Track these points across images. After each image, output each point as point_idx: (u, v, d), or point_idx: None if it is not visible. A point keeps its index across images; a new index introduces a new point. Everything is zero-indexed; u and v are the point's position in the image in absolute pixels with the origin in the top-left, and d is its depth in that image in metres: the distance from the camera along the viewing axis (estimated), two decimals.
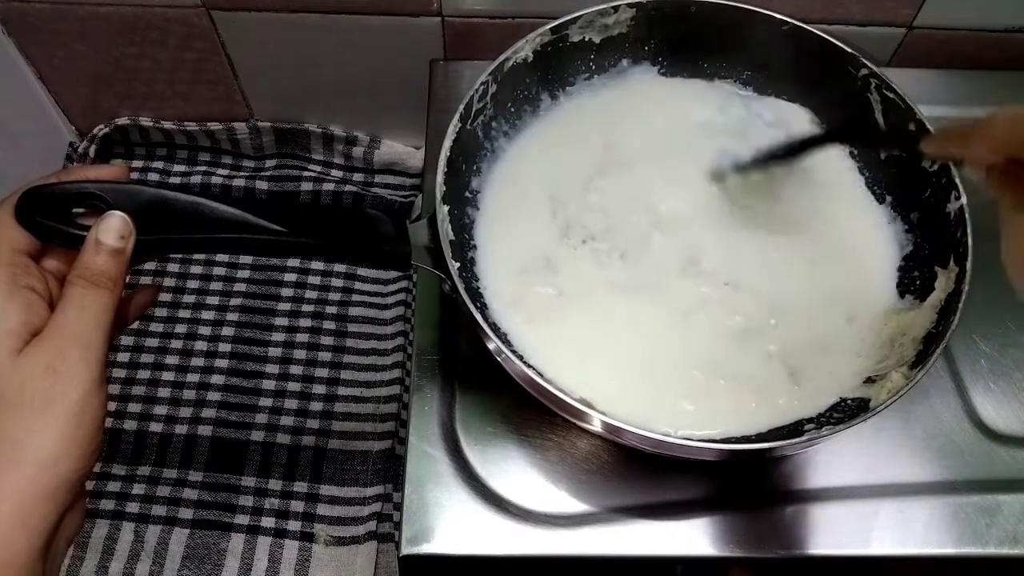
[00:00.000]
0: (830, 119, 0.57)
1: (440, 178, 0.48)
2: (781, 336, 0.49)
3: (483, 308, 0.49)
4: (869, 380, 0.48)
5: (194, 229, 0.39)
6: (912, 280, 0.51)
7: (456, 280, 0.44)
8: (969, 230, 0.47)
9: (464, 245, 0.51)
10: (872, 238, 0.53)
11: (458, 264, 0.47)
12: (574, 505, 0.49)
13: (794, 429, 0.46)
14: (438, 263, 0.45)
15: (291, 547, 0.68)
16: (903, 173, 0.53)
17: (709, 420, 0.47)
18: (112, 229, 0.36)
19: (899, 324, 0.49)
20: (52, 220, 0.36)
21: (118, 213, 0.36)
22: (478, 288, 0.50)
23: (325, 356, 0.77)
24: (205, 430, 0.73)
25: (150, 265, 0.81)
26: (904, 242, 0.53)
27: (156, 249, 0.39)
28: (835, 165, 0.56)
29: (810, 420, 0.47)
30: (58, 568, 0.35)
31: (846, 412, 0.46)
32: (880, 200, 0.54)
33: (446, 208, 0.48)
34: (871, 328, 0.50)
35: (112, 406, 0.74)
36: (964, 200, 0.48)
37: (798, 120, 0.57)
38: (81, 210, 0.37)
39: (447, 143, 0.49)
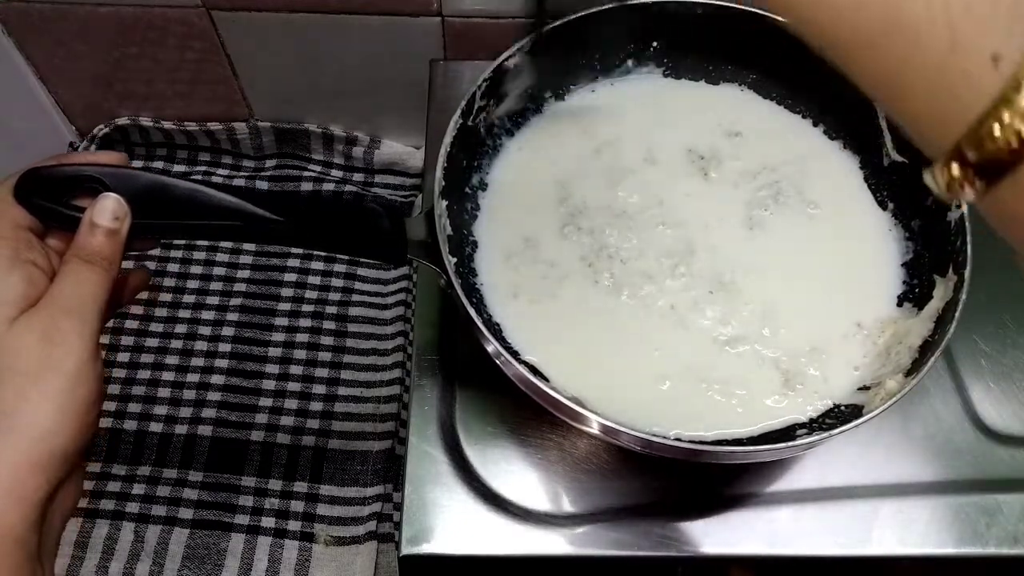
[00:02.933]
0: (833, 125, 0.57)
1: (439, 172, 0.48)
2: (776, 341, 0.49)
3: (479, 304, 0.49)
4: (864, 387, 0.48)
5: (191, 215, 0.39)
6: (911, 288, 0.51)
7: (452, 275, 0.44)
8: (969, 239, 0.46)
9: (463, 241, 0.51)
10: (873, 245, 0.53)
11: (455, 259, 0.47)
12: (574, 505, 0.49)
13: (786, 433, 0.46)
14: (435, 258, 0.45)
15: (291, 547, 0.68)
16: (906, 180, 0.53)
17: (701, 421, 0.47)
18: (107, 210, 0.36)
19: (896, 332, 0.49)
20: (50, 201, 0.37)
21: (113, 195, 0.37)
22: (475, 284, 0.50)
23: (325, 356, 0.77)
24: (205, 430, 0.73)
25: (150, 265, 0.81)
26: (904, 250, 0.52)
27: (153, 233, 0.40)
28: (837, 167, 0.56)
29: (802, 425, 0.47)
30: (55, 542, 0.35)
31: (839, 418, 0.46)
32: (883, 207, 0.54)
33: (444, 203, 0.48)
34: (868, 336, 0.50)
35: (112, 406, 0.74)
36: (965, 209, 0.47)
37: (798, 128, 0.57)
38: (79, 194, 0.38)
39: (448, 138, 0.49)
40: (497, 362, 0.44)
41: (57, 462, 0.33)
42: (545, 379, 0.46)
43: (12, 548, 0.31)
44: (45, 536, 0.33)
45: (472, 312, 0.43)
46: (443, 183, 0.47)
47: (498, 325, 0.49)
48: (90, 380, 0.34)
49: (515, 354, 0.47)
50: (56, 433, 0.33)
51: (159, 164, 0.86)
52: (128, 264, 0.39)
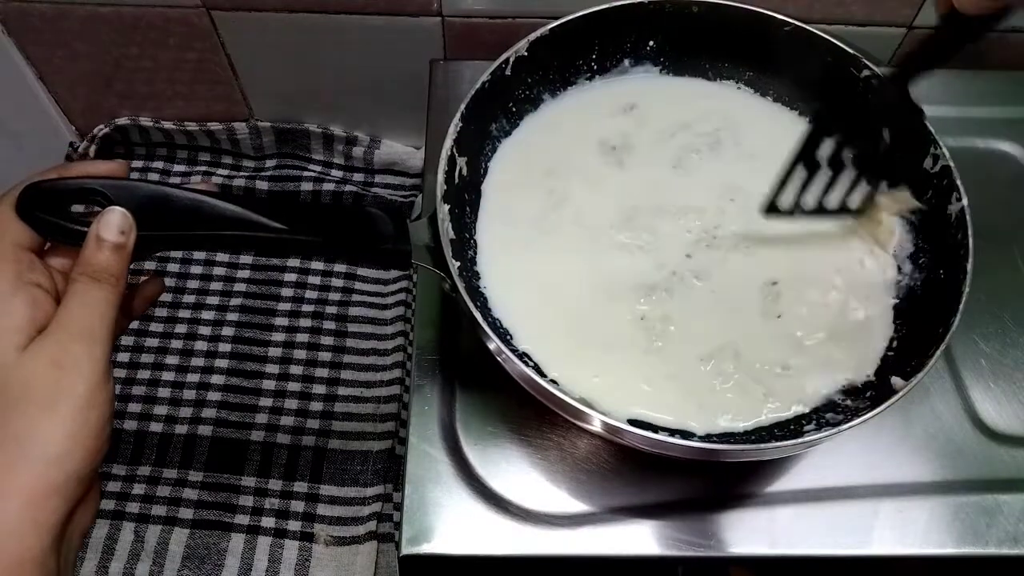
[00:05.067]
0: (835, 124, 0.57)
1: (441, 176, 0.48)
2: (776, 340, 0.49)
3: (483, 307, 0.49)
4: (868, 384, 0.48)
5: (194, 226, 0.39)
6: (913, 282, 0.51)
7: (456, 279, 0.44)
8: (970, 232, 0.46)
9: (465, 244, 0.51)
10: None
11: (458, 263, 0.47)
12: (574, 505, 0.49)
13: (793, 431, 0.46)
14: (438, 262, 0.45)
15: (291, 547, 0.68)
16: (905, 175, 0.53)
17: (705, 421, 0.47)
18: (113, 225, 0.36)
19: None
20: (53, 216, 0.36)
21: (119, 209, 0.36)
22: (478, 287, 0.50)
23: (325, 356, 0.77)
24: (205, 430, 0.73)
25: (149, 265, 0.81)
26: (905, 244, 0.52)
27: (156, 245, 0.40)
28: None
29: (808, 422, 0.47)
30: (73, 561, 0.35)
31: (843, 415, 0.46)
32: None
33: (447, 207, 0.48)
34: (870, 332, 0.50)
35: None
36: (965, 202, 0.48)
37: (796, 124, 0.57)
38: (81, 207, 0.37)
39: (448, 142, 0.49)
40: (499, 359, 0.44)
41: (72, 484, 0.33)
42: (550, 381, 0.46)
43: (31, 569, 0.32)
44: (64, 554, 0.34)
45: (478, 316, 0.43)
46: (444, 186, 0.47)
47: (502, 328, 0.49)
48: (101, 403, 0.34)
49: (520, 357, 0.47)
50: (69, 457, 0.33)
51: (159, 164, 0.86)
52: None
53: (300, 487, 0.70)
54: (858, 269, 0.52)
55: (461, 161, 0.51)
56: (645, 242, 0.52)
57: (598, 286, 0.51)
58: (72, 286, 0.35)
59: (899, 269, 0.52)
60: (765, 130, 0.57)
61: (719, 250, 0.52)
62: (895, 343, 0.49)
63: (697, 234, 0.52)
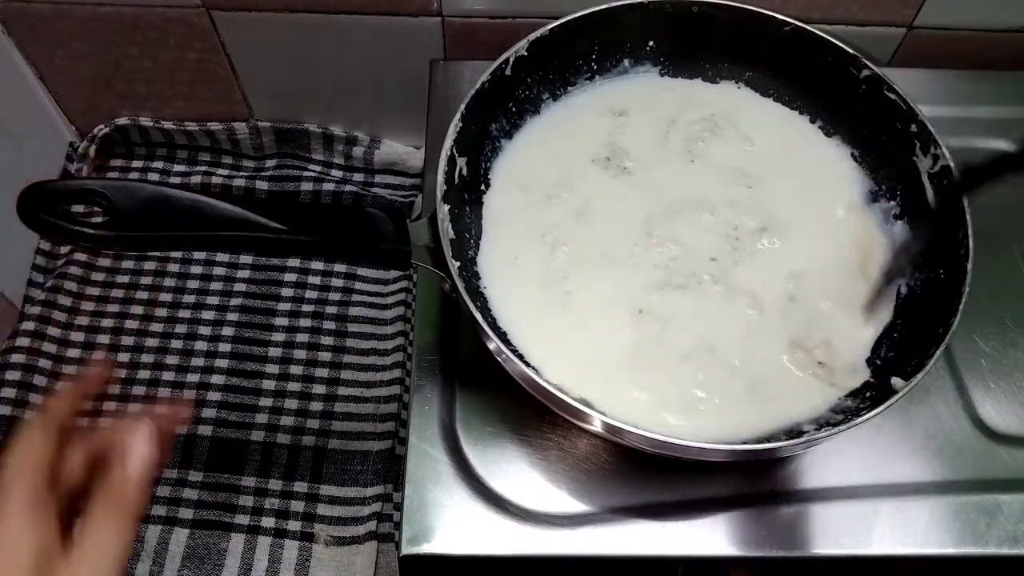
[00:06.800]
0: (830, 121, 0.57)
1: (441, 177, 0.48)
2: (776, 339, 0.49)
3: (483, 307, 0.49)
4: (868, 384, 0.48)
5: (194, 226, 0.39)
6: (913, 282, 0.51)
7: (456, 279, 0.44)
8: (970, 232, 0.46)
9: (464, 244, 0.51)
10: (874, 240, 0.53)
11: (458, 263, 0.47)
12: (574, 505, 0.49)
13: (793, 431, 0.46)
14: (438, 262, 0.45)
15: (291, 547, 0.68)
16: (905, 175, 0.53)
17: (708, 420, 0.47)
18: (138, 458, 0.36)
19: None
20: (54, 216, 0.36)
21: (144, 437, 0.36)
22: (478, 287, 0.50)
23: (325, 356, 0.77)
24: (205, 430, 0.73)
25: (150, 266, 0.81)
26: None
27: (157, 245, 0.40)
28: (836, 166, 0.56)
29: (809, 422, 0.47)
30: None
31: (844, 414, 0.46)
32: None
33: (446, 207, 0.48)
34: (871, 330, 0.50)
35: (112, 406, 0.74)
36: (965, 201, 0.48)
37: (795, 124, 0.57)
38: (81, 207, 0.38)
39: (448, 143, 0.49)
40: (499, 359, 0.44)
41: None
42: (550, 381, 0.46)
43: None
44: None
45: (479, 316, 0.43)
46: (444, 187, 0.47)
47: (502, 328, 0.49)
48: None
49: (520, 357, 0.47)
50: None
51: (159, 164, 0.86)
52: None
53: (300, 487, 0.70)
54: (859, 267, 0.52)
55: (461, 161, 0.51)
56: (661, 251, 0.52)
57: (603, 286, 0.51)
58: (91, 524, 0.35)
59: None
60: (764, 124, 0.57)
61: (743, 252, 0.52)
62: (895, 343, 0.49)
63: (719, 235, 0.52)
